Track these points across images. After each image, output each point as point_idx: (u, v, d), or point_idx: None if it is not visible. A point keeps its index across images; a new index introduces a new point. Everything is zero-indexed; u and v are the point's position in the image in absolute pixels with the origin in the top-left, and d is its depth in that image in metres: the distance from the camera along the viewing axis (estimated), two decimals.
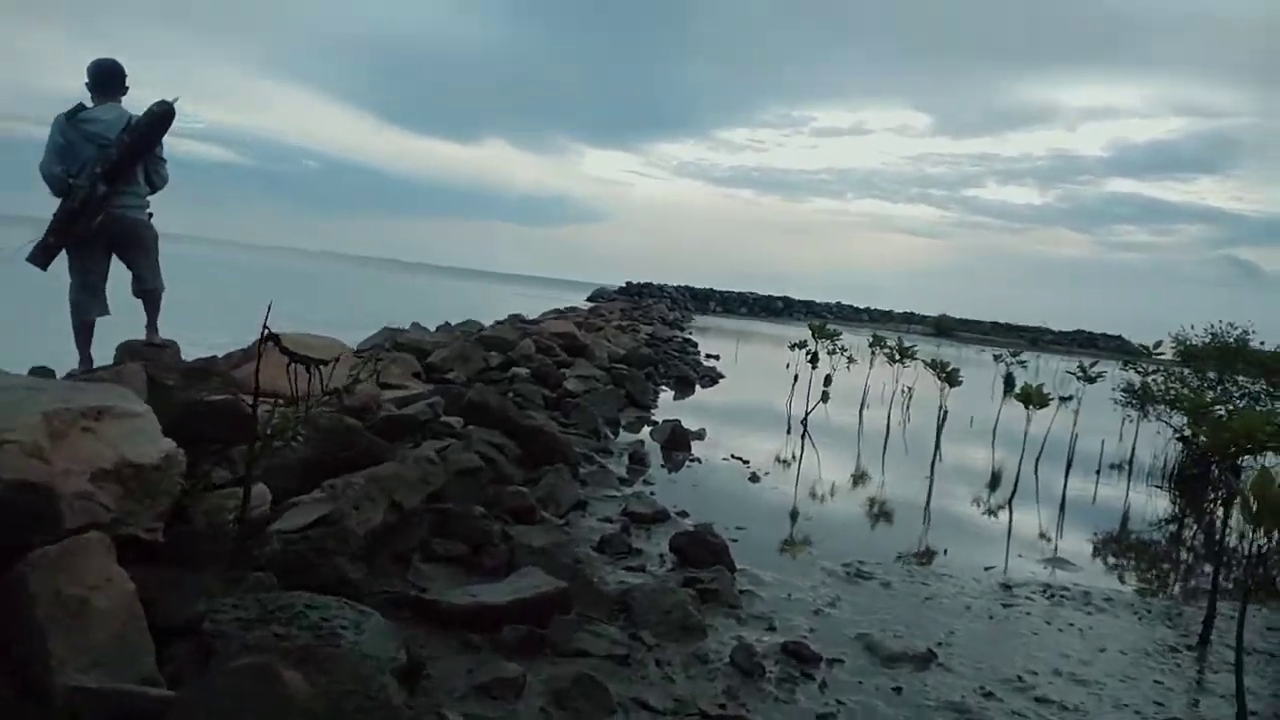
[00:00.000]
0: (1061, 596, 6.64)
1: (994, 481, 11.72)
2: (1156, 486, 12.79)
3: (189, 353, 8.29)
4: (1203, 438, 6.18)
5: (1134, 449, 14.46)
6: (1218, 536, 7.51)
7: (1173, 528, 10.67)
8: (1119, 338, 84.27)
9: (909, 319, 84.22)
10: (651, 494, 8.26)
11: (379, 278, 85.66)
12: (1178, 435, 13.52)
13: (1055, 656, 5.31)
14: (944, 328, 78.08)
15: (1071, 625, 5.98)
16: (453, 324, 18.98)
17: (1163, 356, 15.33)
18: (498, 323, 21.36)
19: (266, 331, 3.93)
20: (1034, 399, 9.98)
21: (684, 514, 7.68)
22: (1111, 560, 8.51)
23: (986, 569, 7.21)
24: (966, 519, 9.25)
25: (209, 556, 3.74)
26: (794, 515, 8.47)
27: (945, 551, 7.60)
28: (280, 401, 5.44)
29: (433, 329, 16.55)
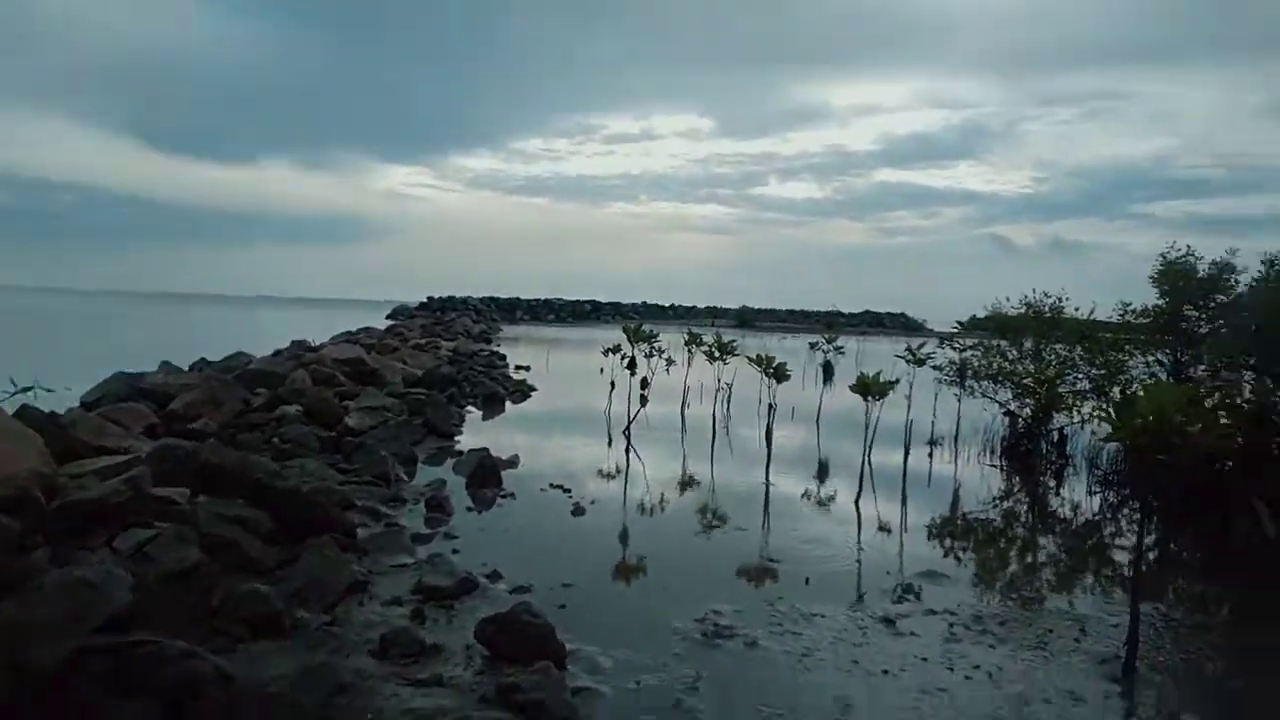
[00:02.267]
0: (952, 626, 5.60)
1: (834, 477, 10.86)
2: (993, 465, 12.37)
3: None
4: (1103, 425, 5.29)
5: (957, 426, 14.13)
6: (1137, 547, 6.64)
7: (1024, 510, 10.12)
8: (902, 315, 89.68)
9: (713, 313, 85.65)
10: (454, 553, 6.67)
11: (146, 312, 78.12)
12: (1004, 410, 13.22)
13: None
14: (746, 319, 79.82)
15: (978, 668, 4.91)
16: (215, 360, 16.44)
17: (951, 333, 15.16)
18: (277, 353, 18.91)
19: None
20: (873, 389, 9.12)
21: (495, 576, 6.14)
22: (980, 562, 7.67)
23: (859, 598, 6.10)
24: (817, 527, 8.20)
25: None
26: (628, 555, 7.11)
27: (807, 581, 6.45)
28: None
29: (186, 367, 14.10)
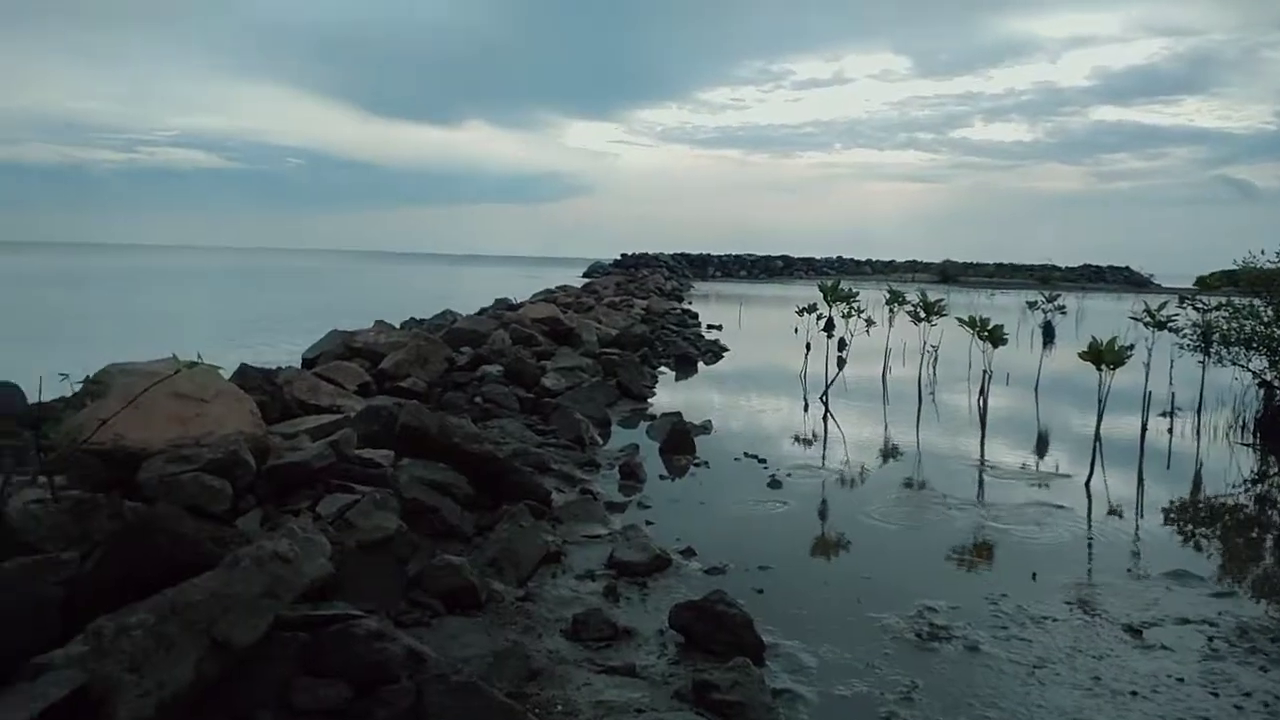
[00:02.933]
0: (1212, 640, 4.83)
1: (1057, 453, 9.90)
2: (1245, 444, 10.94)
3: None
4: None
5: (1200, 397, 12.61)
6: None
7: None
8: (1126, 269, 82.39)
9: (913, 268, 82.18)
10: (648, 524, 6.48)
11: (365, 270, 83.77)
12: (1259, 380, 11.65)
13: None
14: (949, 274, 75.99)
15: (1249, 696, 4.17)
16: (425, 318, 17.14)
17: (1192, 291, 13.46)
18: (481, 311, 19.56)
19: None
20: (1107, 357, 8.13)
21: (689, 553, 5.89)
22: (1239, 562, 6.67)
23: (1097, 600, 5.40)
24: (1041, 512, 7.41)
25: None
26: (829, 535, 6.67)
27: (1034, 576, 5.79)
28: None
29: (398, 325, 14.71)
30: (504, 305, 21.33)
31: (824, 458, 9.37)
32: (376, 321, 14.25)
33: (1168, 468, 9.74)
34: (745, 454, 9.01)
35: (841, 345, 14.82)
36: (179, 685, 2.86)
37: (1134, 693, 4.18)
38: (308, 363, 11.04)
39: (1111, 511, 7.64)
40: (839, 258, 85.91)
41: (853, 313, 13.77)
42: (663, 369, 15.78)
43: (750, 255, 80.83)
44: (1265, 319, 11.94)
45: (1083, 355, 8.55)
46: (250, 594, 3.16)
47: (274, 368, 9.04)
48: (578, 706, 3.66)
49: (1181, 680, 4.33)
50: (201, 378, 5.22)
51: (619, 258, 72.33)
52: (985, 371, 10.89)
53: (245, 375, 7.23)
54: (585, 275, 57.40)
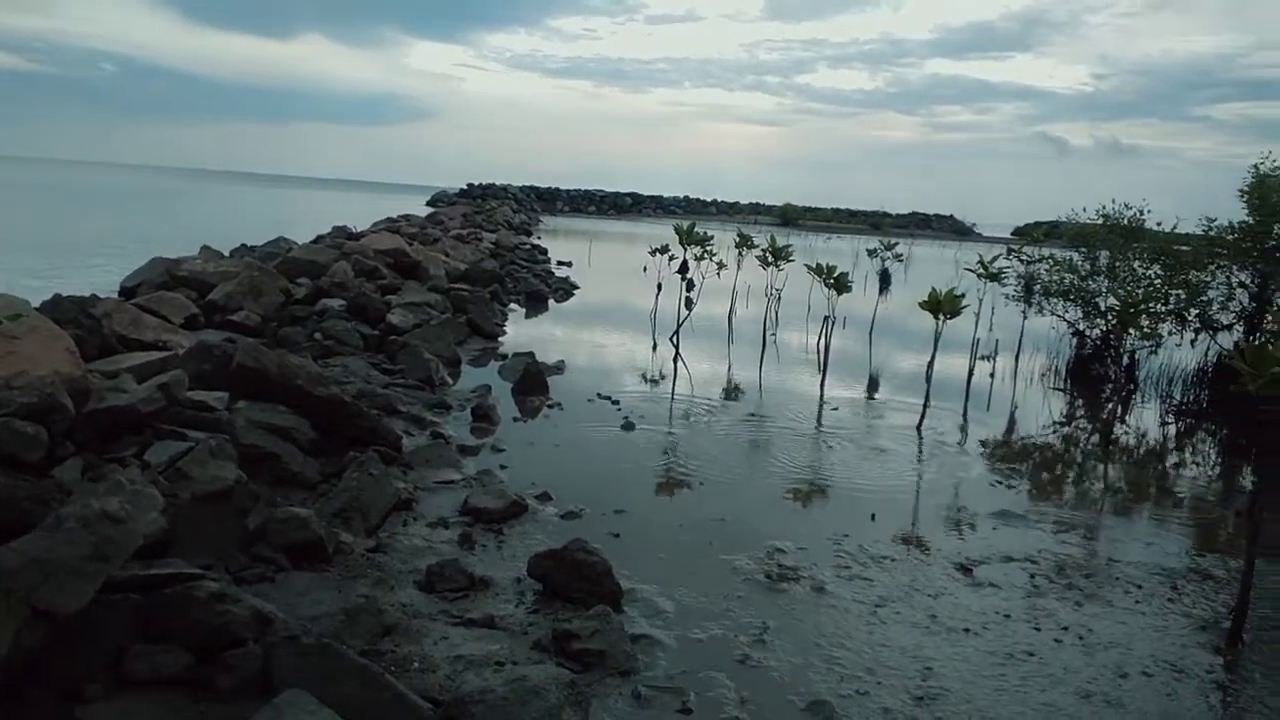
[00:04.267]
0: (1034, 577, 5.22)
1: (893, 396, 10.38)
2: (1057, 389, 11.83)
3: None
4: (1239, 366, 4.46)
5: (1019, 345, 13.57)
6: (1251, 504, 6.14)
7: (1097, 441, 9.62)
8: (950, 217, 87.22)
9: (755, 209, 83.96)
10: (502, 468, 6.37)
11: (187, 189, 78.10)
12: (1073, 330, 12.58)
13: (1075, 700, 3.83)
14: (790, 217, 78.08)
15: (1066, 630, 4.54)
16: (256, 245, 16.14)
17: (1018, 242, 14.45)
18: (318, 239, 18.59)
19: None
20: (946, 307, 8.54)
21: (545, 497, 5.85)
22: (1057, 502, 7.18)
23: (931, 539, 5.72)
24: (879, 454, 7.78)
25: None
26: (682, 478, 6.74)
27: (873, 516, 6.08)
28: None
29: (227, 253, 13.78)
30: (344, 234, 20.32)
31: (674, 398, 9.48)
32: (203, 248, 13.26)
33: (987, 409, 10.41)
34: (599, 395, 9.01)
35: (690, 286, 14.98)
36: None
37: (967, 629, 4.46)
38: (126, 292, 10.22)
39: (941, 452, 8.10)
40: (686, 197, 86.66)
41: (706, 255, 13.90)
42: (513, 306, 15.54)
43: (599, 191, 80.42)
44: (1082, 273, 12.84)
45: (923, 305, 8.94)
46: (76, 558, 2.87)
47: (89, 296, 8.29)
48: (435, 662, 3.57)
49: (1008, 616, 4.65)
50: (10, 311, 4.69)
51: (465, 187, 70.28)
52: (828, 317, 11.27)
53: (58, 306, 6.59)
54: (429, 204, 55.56)
